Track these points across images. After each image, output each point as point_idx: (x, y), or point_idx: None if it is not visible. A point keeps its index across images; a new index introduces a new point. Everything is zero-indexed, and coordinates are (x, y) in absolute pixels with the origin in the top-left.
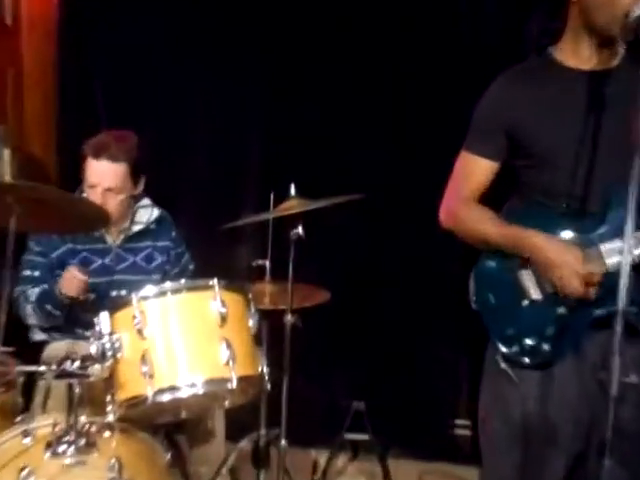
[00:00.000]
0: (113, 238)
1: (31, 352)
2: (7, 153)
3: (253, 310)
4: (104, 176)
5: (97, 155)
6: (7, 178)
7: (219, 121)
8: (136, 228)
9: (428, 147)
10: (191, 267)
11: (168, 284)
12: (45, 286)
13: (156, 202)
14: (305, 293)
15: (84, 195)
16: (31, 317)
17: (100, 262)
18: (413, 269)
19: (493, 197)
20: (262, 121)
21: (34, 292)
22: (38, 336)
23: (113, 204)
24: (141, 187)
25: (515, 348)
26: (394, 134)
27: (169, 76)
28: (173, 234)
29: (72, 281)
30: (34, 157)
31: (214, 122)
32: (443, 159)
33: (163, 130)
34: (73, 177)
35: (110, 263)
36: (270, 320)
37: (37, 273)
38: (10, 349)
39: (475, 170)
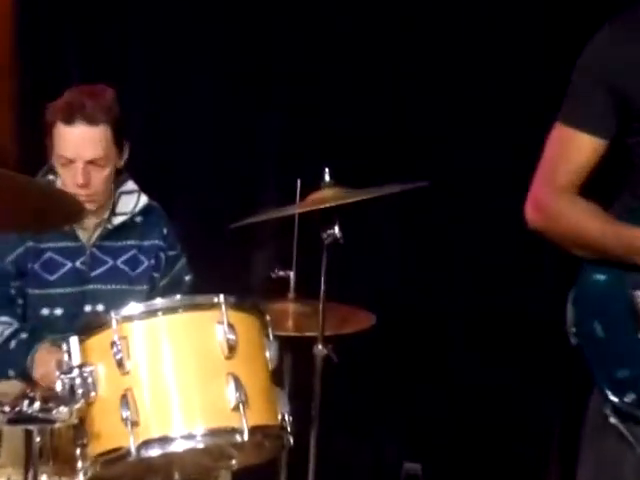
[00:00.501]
0: (87, 234)
1: None
2: None
3: (271, 337)
4: (83, 145)
5: (70, 119)
6: None
7: (226, 87)
8: (117, 221)
9: (510, 129)
10: (187, 278)
11: (159, 301)
12: (7, 333)
13: (145, 194)
14: (341, 316)
15: (50, 179)
16: None
17: (70, 266)
18: (486, 286)
19: (597, 190)
20: (284, 87)
21: None
22: None
23: (99, 182)
24: (125, 156)
25: (630, 396)
26: (465, 110)
27: (162, 19)
28: (165, 230)
29: (49, 370)
30: None
31: (220, 88)
32: (531, 142)
33: (155, 95)
34: (35, 156)
35: (83, 267)
36: (294, 351)
37: None
38: None
39: (574, 150)
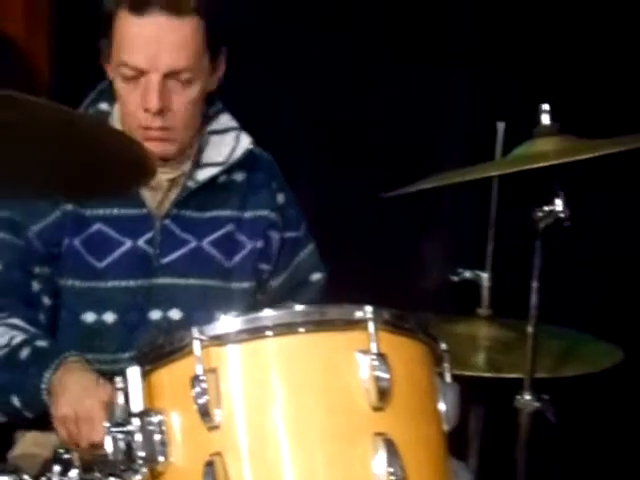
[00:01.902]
0: (157, 197)
1: None
2: None
3: (448, 378)
4: (161, 47)
5: (142, 5)
6: None
7: None
8: (204, 175)
9: None
10: (316, 277)
11: (269, 313)
12: (18, 340)
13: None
14: (564, 348)
15: (102, 109)
16: None
17: (129, 246)
18: None
19: None
20: None
21: None
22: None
23: (181, 108)
24: (221, 71)
25: None
26: None
27: None
28: (279, 197)
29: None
30: (6, 39)
31: None
32: None
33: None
34: (76, 76)
35: (149, 249)
36: (486, 402)
37: None
38: None
39: None
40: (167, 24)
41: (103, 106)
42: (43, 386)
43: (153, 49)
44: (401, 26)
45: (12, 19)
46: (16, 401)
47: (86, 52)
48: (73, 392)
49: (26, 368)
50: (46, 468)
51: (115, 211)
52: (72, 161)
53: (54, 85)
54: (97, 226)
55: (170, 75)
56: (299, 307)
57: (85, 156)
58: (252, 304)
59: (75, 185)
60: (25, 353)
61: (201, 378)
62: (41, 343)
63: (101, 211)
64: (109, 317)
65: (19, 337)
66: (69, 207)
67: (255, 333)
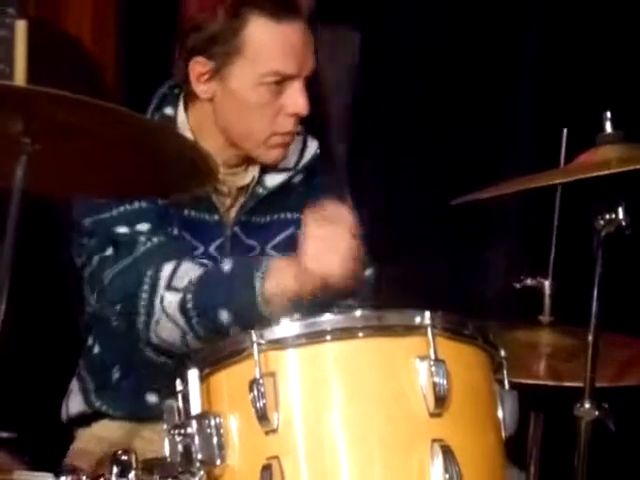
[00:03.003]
0: (227, 204)
1: (51, 443)
2: (22, 28)
3: (507, 386)
4: (307, 51)
5: (285, 12)
6: (19, 79)
7: None
8: (274, 182)
9: None
10: (368, 273)
11: (328, 317)
12: (204, 264)
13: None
14: (626, 356)
15: (167, 114)
16: (162, 331)
17: (202, 251)
18: None
19: None
20: None
21: (182, 271)
22: (75, 407)
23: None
24: None
25: None
26: None
27: None
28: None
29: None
30: (75, 42)
31: None
32: None
33: None
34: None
35: (219, 256)
36: (546, 410)
37: (146, 226)
38: (9, 435)
39: None
40: (302, 29)
41: (168, 111)
42: (257, 287)
43: (300, 54)
44: (466, 32)
45: (80, 21)
46: (225, 315)
47: (154, 55)
48: (283, 275)
49: (233, 276)
50: (104, 468)
51: (192, 214)
52: (138, 163)
53: (121, 88)
54: (176, 228)
55: (307, 77)
56: (358, 312)
57: (151, 158)
58: (311, 309)
59: (140, 186)
60: (228, 266)
61: (259, 382)
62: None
63: (180, 212)
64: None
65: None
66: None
67: (314, 337)
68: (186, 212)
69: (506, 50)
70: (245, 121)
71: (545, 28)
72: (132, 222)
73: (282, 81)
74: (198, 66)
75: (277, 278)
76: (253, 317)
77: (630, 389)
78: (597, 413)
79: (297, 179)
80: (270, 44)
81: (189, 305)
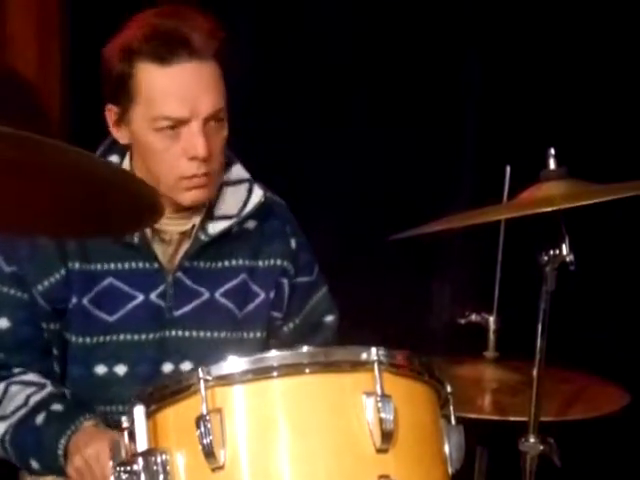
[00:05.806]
0: (169, 250)
1: None
2: None
3: (453, 421)
4: (200, 91)
5: (169, 54)
6: None
7: None
8: (217, 228)
9: None
10: (329, 319)
11: (274, 354)
12: (35, 400)
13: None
14: (571, 391)
15: (113, 161)
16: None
17: (141, 299)
18: None
19: None
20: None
21: (8, 398)
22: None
23: (219, 150)
24: None
25: None
26: None
27: None
28: (293, 243)
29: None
30: (19, 78)
31: None
32: None
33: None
34: (95, 119)
35: (161, 303)
36: (491, 445)
37: (5, 324)
38: None
39: None
40: (196, 69)
41: (113, 159)
42: (60, 452)
43: (191, 96)
44: (408, 68)
45: (26, 60)
46: (35, 464)
47: (99, 93)
48: (85, 450)
49: (42, 435)
50: None
51: (127, 265)
52: (81, 200)
53: (66, 125)
54: (108, 280)
55: (208, 118)
56: (305, 348)
57: (93, 196)
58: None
59: (84, 224)
60: (40, 418)
61: (206, 418)
62: (56, 407)
63: (112, 265)
64: (120, 369)
65: (35, 397)
66: (76, 265)
67: (260, 373)
68: (119, 266)
69: (450, 86)
70: (153, 166)
71: (488, 65)
72: None
73: (176, 125)
74: (110, 112)
75: (80, 444)
76: (60, 467)
77: (575, 423)
78: (542, 447)
79: (247, 226)
80: (157, 89)
81: (7, 445)
